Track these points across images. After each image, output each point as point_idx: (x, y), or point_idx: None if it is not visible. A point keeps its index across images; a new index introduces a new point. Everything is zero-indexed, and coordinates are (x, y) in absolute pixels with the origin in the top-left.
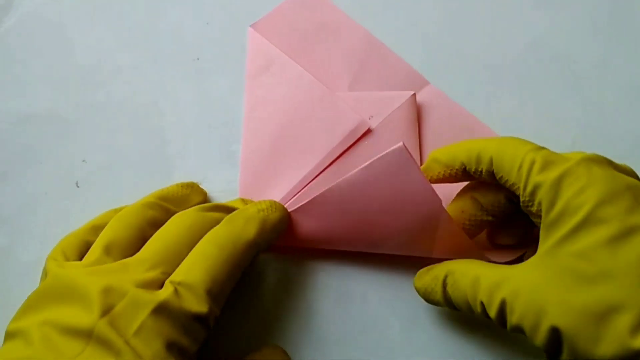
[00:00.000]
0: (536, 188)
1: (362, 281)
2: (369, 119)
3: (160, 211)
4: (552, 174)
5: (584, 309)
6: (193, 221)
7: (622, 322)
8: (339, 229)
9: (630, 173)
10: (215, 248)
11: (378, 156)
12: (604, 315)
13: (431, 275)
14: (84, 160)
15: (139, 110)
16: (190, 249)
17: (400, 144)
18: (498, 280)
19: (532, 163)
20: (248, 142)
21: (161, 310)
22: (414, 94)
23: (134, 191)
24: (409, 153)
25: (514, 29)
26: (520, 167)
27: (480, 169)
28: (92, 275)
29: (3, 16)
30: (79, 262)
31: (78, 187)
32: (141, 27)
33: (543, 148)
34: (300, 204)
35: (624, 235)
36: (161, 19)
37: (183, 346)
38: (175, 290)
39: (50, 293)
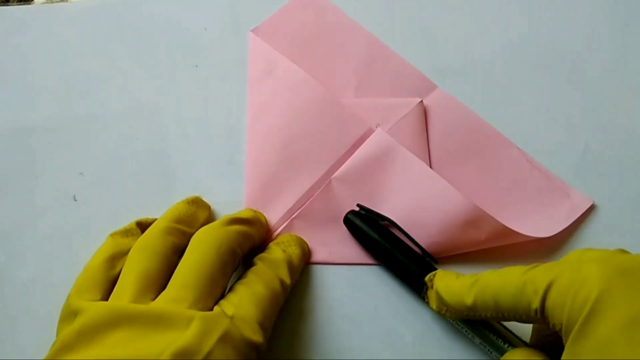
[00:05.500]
0: (542, 305)
1: (373, 294)
2: (376, 127)
3: (179, 236)
4: (549, 280)
5: None
6: (220, 242)
7: None
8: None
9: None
10: (262, 286)
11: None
12: None
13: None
14: (81, 173)
15: (138, 120)
16: (226, 277)
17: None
18: None
19: (532, 282)
20: (252, 151)
21: (226, 338)
22: (421, 101)
23: (134, 205)
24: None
25: (524, 31)
26: (522, 293)
27: (490, 314)
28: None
29: None
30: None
31: (75, 200)
32: (137, 34)
33: (539, 264)
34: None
35: (635, 320)
36: (157, 25)
37: None
38: (232, 321)
39: (95, 328)
